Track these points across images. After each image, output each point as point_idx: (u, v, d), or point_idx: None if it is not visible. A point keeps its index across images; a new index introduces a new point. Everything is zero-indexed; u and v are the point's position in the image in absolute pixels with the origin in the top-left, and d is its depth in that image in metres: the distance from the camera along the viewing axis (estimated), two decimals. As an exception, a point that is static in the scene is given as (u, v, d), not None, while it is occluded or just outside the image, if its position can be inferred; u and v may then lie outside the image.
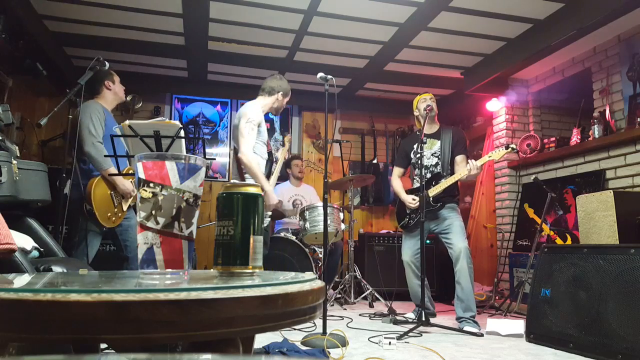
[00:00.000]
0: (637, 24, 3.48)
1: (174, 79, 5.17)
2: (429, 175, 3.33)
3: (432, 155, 3.38)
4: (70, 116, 2.67)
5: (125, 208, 2.99)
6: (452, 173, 3.31)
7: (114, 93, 3.12)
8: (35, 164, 2.33)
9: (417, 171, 3.44)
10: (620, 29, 3.58)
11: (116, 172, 2.85)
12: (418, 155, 3.20)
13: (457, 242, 3.14)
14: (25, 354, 0.69)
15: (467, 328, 2.95)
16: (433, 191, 3.26)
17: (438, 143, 3.38)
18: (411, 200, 3.33)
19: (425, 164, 3.30)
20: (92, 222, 2.81)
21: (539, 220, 3.82)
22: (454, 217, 3.25)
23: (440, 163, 3.34)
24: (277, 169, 3.29)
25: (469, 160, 3.16)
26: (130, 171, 3.01)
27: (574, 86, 4.36)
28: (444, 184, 3.24)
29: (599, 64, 3.87)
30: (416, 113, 3.47)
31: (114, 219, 2.90)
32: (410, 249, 3.36)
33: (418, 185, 3.39)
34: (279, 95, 3.13)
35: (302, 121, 5.69)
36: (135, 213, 3.26)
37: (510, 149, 3.15)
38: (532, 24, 3.72)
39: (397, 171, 3.59)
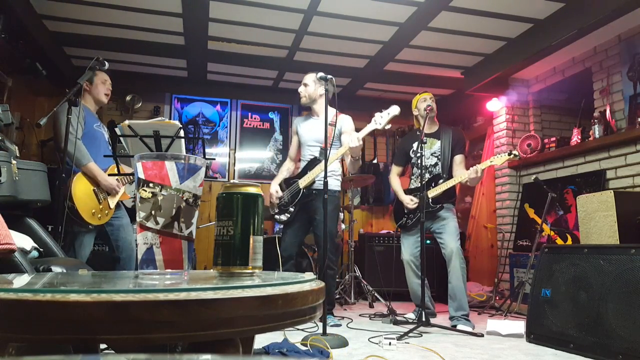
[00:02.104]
0: (638, 24, 3.48)
1: (174, 78, 5.16)
2: (427, 176, 3.32)
3: (431, 155, 3.37)
4: (70, 116, 2.66)
5: (112, 205, 2.93)
6: (451, 173, 3.31)
7: (90, 94, 3.06)
8: (34, 164, 2.32)
9: (414, 170, 3.46)
10: (620, 29, 3.58)
11: (96, 167, 2.85)
12: (418, 155, 3.21)
13: (450, 242, 3.17)
14: (25, 354, 0.69)
15: (460, 326, 2.98)
16: (432, 192, 3.26)
17: (438, 143, 3.37)
18: (409, 201, 3.33)
19: (424, 163, 3.30)
20: (76, 222, 2.71)
21: (539, 221, 3.82)
22: (449, 218, 3.26)
23: (439, 163, 3.34)
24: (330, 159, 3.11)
25: (475, 166, 3.10)
26: (114, 170, 3.00)
27: (575, 86, 4.36)
28: (444, 185, 3.23)
29: (600, 64, 3.86)
30: (415, 112, 3.47)
31: (99, 215, 2.83)
32: (409, 248, 3.37)
33: (416, 185, 3.41)
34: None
35: (302, 121, 5.69)
36: (127, 212, 3.25)
37: (512, 155, 3.11)
38: (532, 24, 3.72)
39: (395, 169, 3.59)
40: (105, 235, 3.03)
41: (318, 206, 3.10)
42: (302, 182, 3.16)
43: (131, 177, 2.97)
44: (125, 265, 3.04)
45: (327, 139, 2.79)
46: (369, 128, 2.98)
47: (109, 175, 2.89)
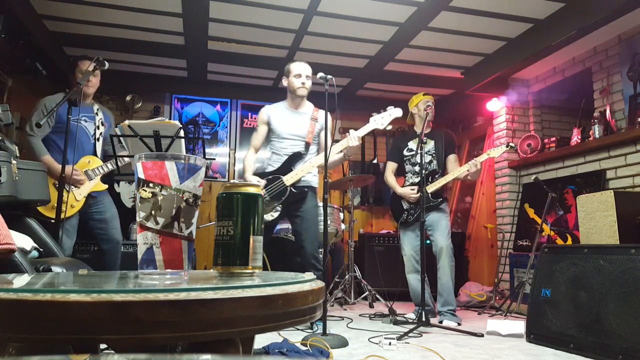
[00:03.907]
0: (638, 24, 3.48)
1: (174, 78, 5.16)
2: (423, 172, 3.40)
3: (426, 153, 3.47)
4: (70, 116, 2.66)
5: (78, 197, 2.91)
6: (445, 171, 3.47)
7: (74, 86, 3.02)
8: (34, 164, 2.33)
9: (408, 167, 3.57)
10: (620, 29, 3.58)
11: (51, 160, 2.85)
12: (413, 153, 3.42)
13: (440, 240, 3.31)
14: (25, 354, 0.69)
15: (446, 322, 3.12)
16: (431, 187, 3.36)
17: (432, 142, 3.51)
18: (410, 191, 3.42)
19: (419, 161, 3.37)
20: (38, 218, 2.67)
21: (539, 221, 3.82)
22: (441, 216, 3.38)
23: (434, 160, 3.48)
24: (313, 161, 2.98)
25: (473, 160, 3.28)
26: (88, 160, 3.01)
27: (575, 86, 4.36)
28: (443, 180, 3.37)
29: (600, 64, 3.86)
30: (414, 111, 3.56)
31: (63, 209, 2.80)
32: (410, 243, 3.46)
33: (412, 181, 3.52)
34: (283, 82, 3.11)
35: (302, 121, 5.69)
36: (127, 212, 3.25)
37: (509, 147, 3.28)
38: (532, 24, 3.72)
39: (391, 166, 3.65)
40: (90, 231, 3.05)
41: (306, 204, 2.97)
42: (289, 180, 2.92)
43: (101, 169, 3.01)
44: (110, 258, 3.05)
45: (327, 144, 2.76)
46: (368, 128, 2.94)
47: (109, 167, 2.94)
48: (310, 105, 3.16)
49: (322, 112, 3.09)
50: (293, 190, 2.94)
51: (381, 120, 2.93)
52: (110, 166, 3.01)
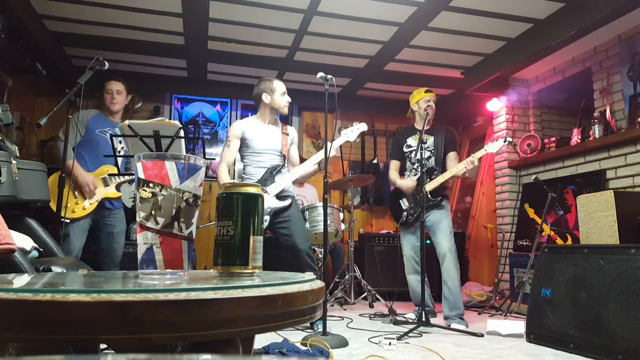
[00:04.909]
0: (638, 24, 3.48)
1: (174, 78, 5.16)
2: (418, 169, 3.39)
3: (425, 149, 3.43)
4: (70, 116, 2.66)
5: (91, 200, 3.07)
6: (444, 168, 3.41)
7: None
8: (34, 164, 2.33)
9: (407, 164, 3.56)
10: (620, 29, 3.58)
11: (76, 164, 3.04)
12: (412, 149, 3.39)
13: (443, 242, 3.25)
14: (25, 354, 0.69)
15: (454, 325, 3.04)
16: (429, 186, 3.32)
17: (432, 139, 3.47)
18: (410, 182, 3.43)
19: (418, 157, 3.37)
20: (50, 216, 2.81)
21: (539, 221, 3.82)
22: (442, 214, 3.33)
23: (432, 157, 3.44)
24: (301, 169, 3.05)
25: (470, 156, 3.23)
26: (106, 169, 3.14)
27: (575, 86, 4.36)
28: (441, 178, 3.32)
29: (600, 64, 3.86)
30: (415, 108, 3.53)
31: (75, 209, 3.01)
32: (410, 243, 3.44)
33: (411, 179, 3.49)
34: (264, 99, 3.05)
35: (302, 121, 5.69)
36: (128, 212, 3.39)
37: (507, 142, 3.24)
38: (532, 24, 3.72)
39: (394, 164, 3.64)
40: (96, 239, 3.16)
41: (291, 210, 2.99)
42: (273, 190, 2.96)
43: (116, 178, 3.16)
44: (105, 269, 3.16)
45: (327, 148, 2.76)
46: (341, 140, 3.09)
47: (110, 174, 3.06)
48: (278, 120, 3.20)
49: (291, 128, 3.22)
50: (276, 198, 2.99)
51: (351, 133, 3.11)
52: (127, 177, 3.10)
